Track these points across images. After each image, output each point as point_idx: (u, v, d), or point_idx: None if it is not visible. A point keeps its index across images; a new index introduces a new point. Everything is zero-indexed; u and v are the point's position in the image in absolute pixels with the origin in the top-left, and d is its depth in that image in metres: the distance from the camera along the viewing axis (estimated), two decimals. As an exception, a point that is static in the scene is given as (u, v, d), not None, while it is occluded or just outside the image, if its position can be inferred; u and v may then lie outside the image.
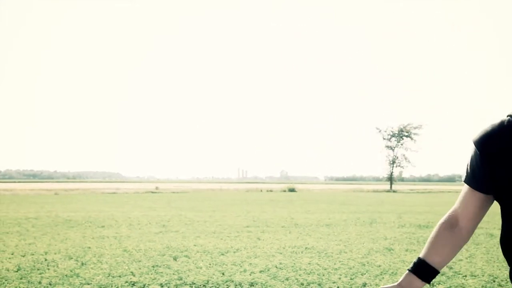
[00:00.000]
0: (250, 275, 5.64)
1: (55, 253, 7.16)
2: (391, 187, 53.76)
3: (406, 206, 20.25)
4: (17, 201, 23.81)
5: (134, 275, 5.62)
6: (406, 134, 54.08)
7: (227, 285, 5.16)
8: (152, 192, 39.78)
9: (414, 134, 53.96)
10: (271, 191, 45.52)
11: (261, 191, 45.75)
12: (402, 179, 62.77)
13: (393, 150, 55.52)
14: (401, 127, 54.39)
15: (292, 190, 46.72)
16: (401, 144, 54.81)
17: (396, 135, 54.77)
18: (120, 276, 5.53)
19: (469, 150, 1.67)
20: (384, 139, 55.76)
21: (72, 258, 6.71)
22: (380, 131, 56.03)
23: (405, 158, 54.72)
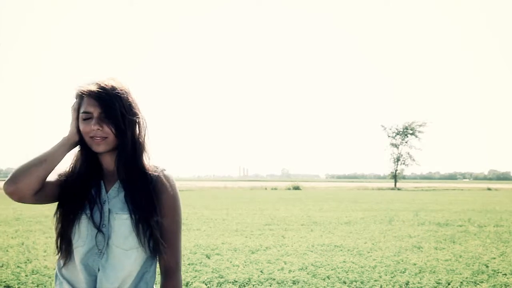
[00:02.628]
0: (289, 273, 5.66)
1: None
2: (395, 184, 53.75)
3: (417, 204, 20.24)
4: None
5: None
6: (411, 132, 54.04)
7: (269, 283, 5.18)
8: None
9: (419, 132, 53.95)
10: (275, 189, 45.53)
11: (266, 189, 45.77)
12: (403, 177, 62.69)
13: (397, 147, 55.53)
14: (406, 124, 54.37)
15: (296, 188, 46.69)
16: (406, 142, 54.78)
17: (401, 132, 54.76)
18: (158, 273, 5.55)
19: None
20: (389, 136, 55.73)
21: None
22: (385, 128, 56.02)
23: (410, 156, 54.72)
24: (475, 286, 5.09)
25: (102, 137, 1.48)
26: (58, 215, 1.52)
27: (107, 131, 1.48)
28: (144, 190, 1.51)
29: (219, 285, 5.13)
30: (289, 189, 46.01)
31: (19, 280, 5.27)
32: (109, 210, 1.50)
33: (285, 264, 6.21)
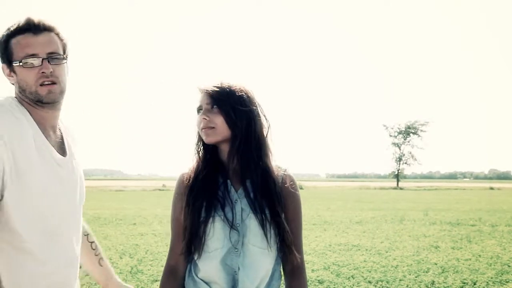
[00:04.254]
0: (313, 272, 5.67)
1: (106, 250, 7.19)
2: (397, 184, 53.79)
3: (423, 203, 20.26)
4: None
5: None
6: (413, 131, 54.12)
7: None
8: (160, 190, 39.62)
9: (421, 131, 54.03)
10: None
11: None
12: (404, 176, 62.73)
13: (399, 147, 55.61)
14: (408, 124, 54.45)
15: (299, 187, 46.78)
16: (408, 142, 54.89)
17: (403, 132, 54.86)
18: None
19: None
20: (390, 136, 55.81)
21: (125, 255, 6.75)
22: (386, 128, 56.08)
23: (412, 156, 54.80)
24: (502, 286, 5.10)
25: (209, 127, 1.49)
26: (187, 216, 1.51)
27: (215, 121, 1.49)
28: (273, 189, 1.51)
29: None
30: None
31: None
32: (242, 209, 1.50)
33: (306, 263, 6.21)
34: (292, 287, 1.55)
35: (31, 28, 1.35)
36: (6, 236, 1.31)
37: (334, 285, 5.10)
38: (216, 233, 1.47)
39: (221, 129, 1.50)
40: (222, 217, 1.47)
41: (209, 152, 1.55)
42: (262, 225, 1.48)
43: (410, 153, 55.70)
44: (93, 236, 1.72)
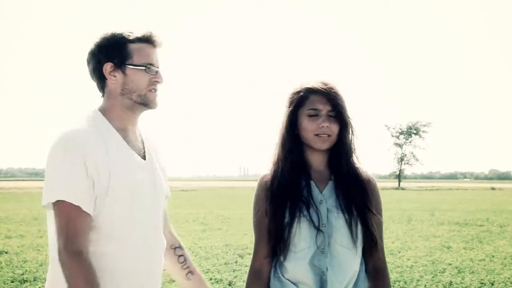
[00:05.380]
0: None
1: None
2: (399, 184, 53.77)
3: (427, 203, 20.26)
4: (35, 199, 23.73)
5: (212, 272, 5.65)
6: (415, 131, 54.09)
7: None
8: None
9: (423, 131, 54.01)
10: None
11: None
12: (405, 177, 62.73)
13: (401, 147, 55.61)
14: (410, 124, 54.43)
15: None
16: (410, 142, 54.85)
17: (404, 132, 54.86)
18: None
19: None
20: (392, 136, 55.79)
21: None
22: (388, 128, 56.04)
23: (413, 156, 54.78)
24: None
25: (328, 135, 1.49)
26: (271, 219, 1.51)
27: (333, 129, 1.50)
28: (359, 190, 1.52)
29: (262, 285, 5.14)
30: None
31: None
32: (327, 209, 1.50)
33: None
34: None
35: (151, 40, 1.48)
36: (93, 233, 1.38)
37: (352, 285, 5.10)
38: (303, 234, 1.48)
39: (334, 137, 1.52)
40: (308, 217, 1.47)
41: (295, 153, 1.54)
42: (350, 225, 1.48)
43: (412, 153, 55.68)
44: (183, 249, 1.72)
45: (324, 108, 1.50)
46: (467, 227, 10.58)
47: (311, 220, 1.47)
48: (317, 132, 1.49)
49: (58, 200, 1.33)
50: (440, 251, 7.30)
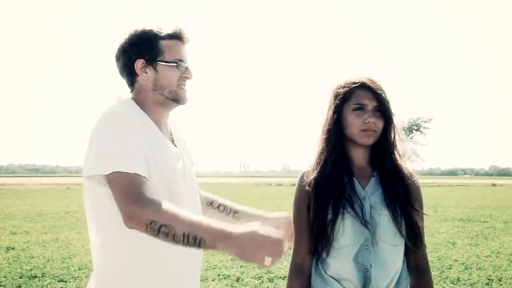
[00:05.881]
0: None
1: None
2: (399, 181, 53.58)
3: (429, 199, 20.23)
4: (37, 195, 23.85)
5: (220, 268, 5.66)
6: (416, 128, 54.01)
7: (319, 279, 5.19)
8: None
9: (424, 128, 53.92)
10: (280, 185, 45.52)
11: (270, 185, 45.79)
12: (405, 173, 62.68)
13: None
14: (411, 121, 54.36)
15: (301, 184, 46.69)
16: (411, 138, 54.77)
17: (405, 128, 54.78)
18: (208, 269, 5.57)
19: None
20: (393, 132, 55.69)
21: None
22: (389, 124, 55.91)
23: (415, 152, 54.69)
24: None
25: (373, 131, 1.49)
26: (314, 215, 1.50)
27: (379, 125, 1.50)
28: (403, 186, 1.52)
29: (270, 280, 5.15)
30: (293, 185, 45.67)
31: (71, 274, 5.29)
32: (371, 206, 1.50)
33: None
34: (421, 285, 1.55)
35: (181, 37, 1.50)
36: None
37: (360, 281, 5.11)
38: (346, 231, 1.47)
39: (379, 133, 1.52)
40: (352, 214, 1.47)
41: (339, 149, 1.54)
42: (395, 222, 1.47)
43: (413, 149, 55.64)
44: (217, 199, 1.77)
45: (370, 104, 1.50)
46: (471, 224, 10.58)
47: (355, 217, 1.47)
48: (363, 127, 1.49)
49: (114, 172, 1.29)
50: (445, 247, 7.30)
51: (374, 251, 1.47)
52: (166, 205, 1.22)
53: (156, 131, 1.47)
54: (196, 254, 1.52)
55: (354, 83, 1.52)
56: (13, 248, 7.00)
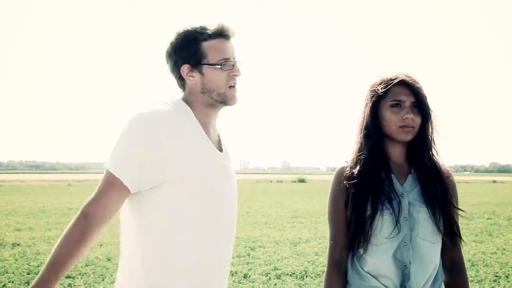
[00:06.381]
0: (342, 265, 5.67)
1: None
2: (400, 177, 53.62)
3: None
4: (38, 192, 23.82)
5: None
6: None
7: (326, 275, 5.19)
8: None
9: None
10: (281, 181, 45.51)
11: (271, 181, 45.78)
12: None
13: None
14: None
15: (302, 180, 46.66)
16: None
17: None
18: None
19: None
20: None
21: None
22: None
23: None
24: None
25: (412, 127, 1.48)
26: (352, 211, 1.50)
27: (417, 121, 1.50)
28: (441, 183, 1.52)
29: (278, 277, 5.15)
30: (294, 181, 45.93)
31: (78, 270, 5.29)
32: (409, 203, 1.49)
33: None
34: (457, 283, 1.55)
35: (223, 34, 1.46)
36: (162, 216, 1.39)
37: (367, 278, 5.10)
38: (385, 227, 1.47)
39: (416, 129, 1.51)
40: (391, 210, 1.46)
41: (377, 146, 1.53)
42: (434, 219, 1.47)
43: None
44: None
45: (408, 100, 1.49)
46: (475, 220, 10.58)
47: (393, 213, 1.46)
48: (401, 124, 1.48)
49: (108, 169, 1.37)
50: (450, 244, 7.30)
51: (413, 248, 1.47)
52: (84, 230, 1.33)
53: (199, 135, 1.45)
54: (221, 264, 1.51)
55: (391, 79, 1.51)
56: (18, 245, 7.00)
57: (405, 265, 1.47)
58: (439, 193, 1.50)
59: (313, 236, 8.08)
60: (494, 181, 48.24)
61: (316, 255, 6.33)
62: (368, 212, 1.48)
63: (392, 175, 1.53)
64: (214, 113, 1.52)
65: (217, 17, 1.47)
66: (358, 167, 1.52)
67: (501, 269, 5.55)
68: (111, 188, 1.35)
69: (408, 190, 1.51)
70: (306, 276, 5.17)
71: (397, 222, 1.46)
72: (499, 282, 5.02)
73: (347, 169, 1.56)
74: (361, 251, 1.50)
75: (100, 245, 7.03)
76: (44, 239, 7.61)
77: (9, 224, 9.57)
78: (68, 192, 22.86)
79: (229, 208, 1.49)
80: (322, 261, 5.86)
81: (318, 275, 5.22)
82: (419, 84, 1.52)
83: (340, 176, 1.56)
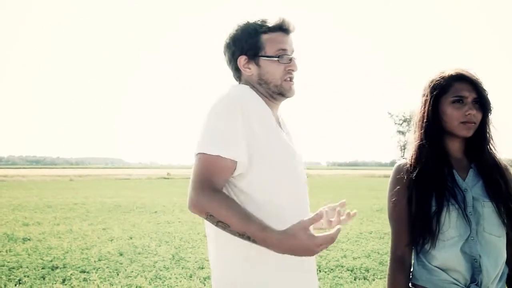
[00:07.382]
0: (355, 260, 5.69)
1: (140, 238, 7.22)
2: (401, 172, 53.72)
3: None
4: (41, 187, 23.85)
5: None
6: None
7: (339, 270, 5.19)
8: (165, 178, 39.24)
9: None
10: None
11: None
12: (406, 164, 62.94)
13: (404, 135, 55.66)
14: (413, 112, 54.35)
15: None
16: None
17: (408, 120, 54.88)
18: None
19: None
20: (395, 123, 55.88)
21: (162, 243, 6.76)
22: (391, 115, 56.14)
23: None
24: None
25: (473, 123, 1.49)
26: (415, 207, 1.50)
27: (478, 117, 1.50)
28: (502, 177, 1.53)
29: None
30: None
31: (92, 265, 5.30)
32: (473, 198, 1.50)
33: (344, 251, 6.23)
34: None
35: (283, 28, 1.46)
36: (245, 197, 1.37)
37: (381, 273, 5.11)
38: (452, 222, 1.47)
39: (477, 125, 1.52)
40: (456, 206, 1.47)
41: (438, 141, 1.54)
42: (499, 213, 1.47)
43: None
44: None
45: (470, 96, 1.49)
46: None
47: (460, 209, 1.46)
48: (463, 119, 1.49)
49: (199, 153, 1.32)
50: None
51: (480, 242, 1.47)
52: (224, 201, 1.27)
53: (272, 116, 1.45)
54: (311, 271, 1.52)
55: (452, 75, 1.52)
56: (29, 239, 7.01)
57: (475, 259, 1.47)
58: (502, 188, 1.50)
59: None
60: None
61: (326, 249, 6.33)
62: (433, 208, 1.48)
63: (454, 171, 1.54)
64: (274, 105, 1.51)
65: (277, 11, 1.47)
66: (420, 164, 1.53)
67: None
68: (220, 171, 1.30)
69: (471, 185, 1.52)
70: (319, 271, 5.17)
71: (465, 217, 1.46)
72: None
73: (407, 166, 1.56)
74: (427, 246, 1.50)
75: (111, 240, 7.04)
76: (54, 234, 7.62)
77: (17, 219, 9.58)
78: (71, 188, 22.90)
79: (305, 190, 1.50)
80: (334, 256, 5.87)
81: (331, 270, 5.22)
82: (480, 79, 1.52)
83: (400, 172, 1.56)
